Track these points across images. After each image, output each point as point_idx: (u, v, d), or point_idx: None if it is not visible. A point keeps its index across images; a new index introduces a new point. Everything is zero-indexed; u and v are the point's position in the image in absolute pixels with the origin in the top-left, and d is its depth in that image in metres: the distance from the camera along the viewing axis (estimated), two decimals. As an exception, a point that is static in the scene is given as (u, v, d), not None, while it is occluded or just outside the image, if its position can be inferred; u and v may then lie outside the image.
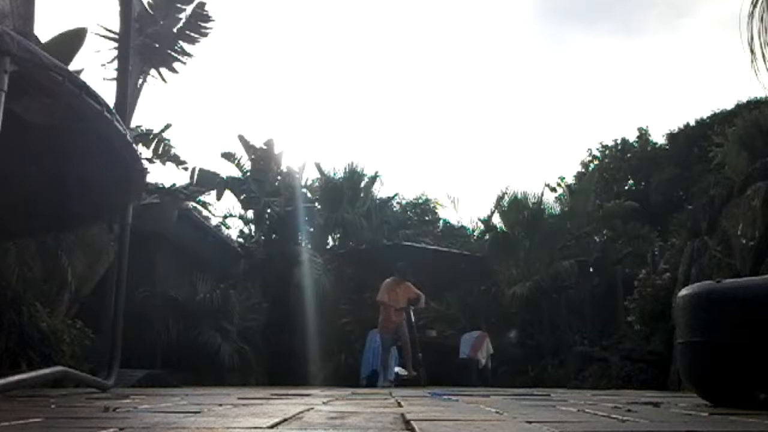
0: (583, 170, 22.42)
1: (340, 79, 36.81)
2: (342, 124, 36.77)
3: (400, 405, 3.06)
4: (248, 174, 14.77)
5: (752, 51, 6.27)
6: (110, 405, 2.80)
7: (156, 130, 9.84)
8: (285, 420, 2.05)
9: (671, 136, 21.06)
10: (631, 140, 22.46)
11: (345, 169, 16.24)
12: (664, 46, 34.87)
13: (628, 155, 22.05)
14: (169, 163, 9.86)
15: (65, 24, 6.05)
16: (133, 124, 9.09)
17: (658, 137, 22.11)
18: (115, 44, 8.62)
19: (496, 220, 15.61)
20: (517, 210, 14.27)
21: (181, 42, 9.99)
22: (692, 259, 7.99)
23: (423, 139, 38.01)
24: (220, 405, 2.86)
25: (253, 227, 15.07)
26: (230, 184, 14.44)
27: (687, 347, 3.10)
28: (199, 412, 2.37)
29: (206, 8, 9.94)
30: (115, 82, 6.23)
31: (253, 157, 14.96)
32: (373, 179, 16.62)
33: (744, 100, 17.02)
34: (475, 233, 17.65)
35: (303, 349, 11.28)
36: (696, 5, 36.52)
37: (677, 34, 34.66)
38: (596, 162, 22.89)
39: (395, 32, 37.29)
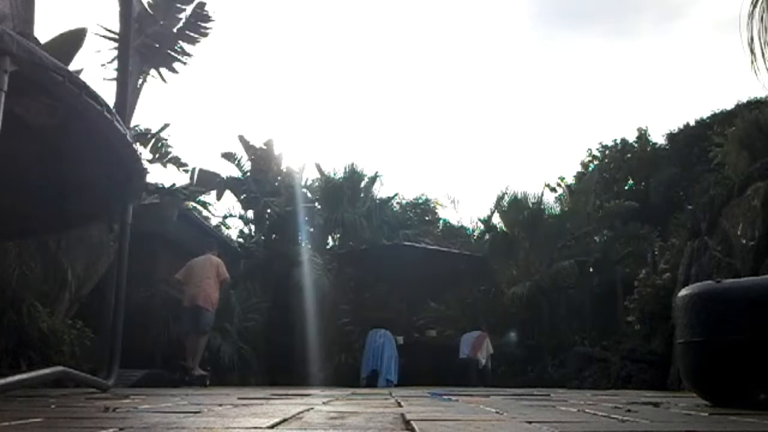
0: (583, 170, 22.41)
1: (340, 80, 36.88)
2: (342, 124, 36.81)
3: (400, 405, 3.07)
4: (248, 174, 14.78)
5: (752, 51, 6.27)
6: (110, 405, 2.81)
7: (154, 130, 9.86)
8: (285, 420, 2.05)
9: (671, 136, 21.03)
10: (631, 140, 22.45)
11: (345, 169, 16.22)
12: (661, 47, 35.00)
13: (628, 155, 22.02)
14: (169, 165, 9.89)
15: (65, 24, 6.04)
16: (132, 124, 9.10)
17: (658, 137, 22.09)
18: (115, 44, 8.64)
19: (496, 220, 15.61)
20: (517, 210, 14.25)
21: (181, 42, 10.00)
22: (692, 259, 7.99)
23: (423, 139, 38.09)
24: (220, 405, 2.86)
25: (253, 227, 15.09)
26: (230, 184, 14.46)
27: (687, 347, 3.10)
28: (198, 412, 2.37)
29: (206, 8, 9.96)
30: (115, 82, 6.23)
31: (253, 157, 14.98)
32: (373, 179, 16.61)
33: (744, 100, 17.01)
34: (475, 233, 17.66)
35: (303, 349, 11.27)
36: (686, 8, 36.58)
37: (673, 36, 34.77)
38: (596, 162, 22.87)
39: (395, 33, 37.37)
